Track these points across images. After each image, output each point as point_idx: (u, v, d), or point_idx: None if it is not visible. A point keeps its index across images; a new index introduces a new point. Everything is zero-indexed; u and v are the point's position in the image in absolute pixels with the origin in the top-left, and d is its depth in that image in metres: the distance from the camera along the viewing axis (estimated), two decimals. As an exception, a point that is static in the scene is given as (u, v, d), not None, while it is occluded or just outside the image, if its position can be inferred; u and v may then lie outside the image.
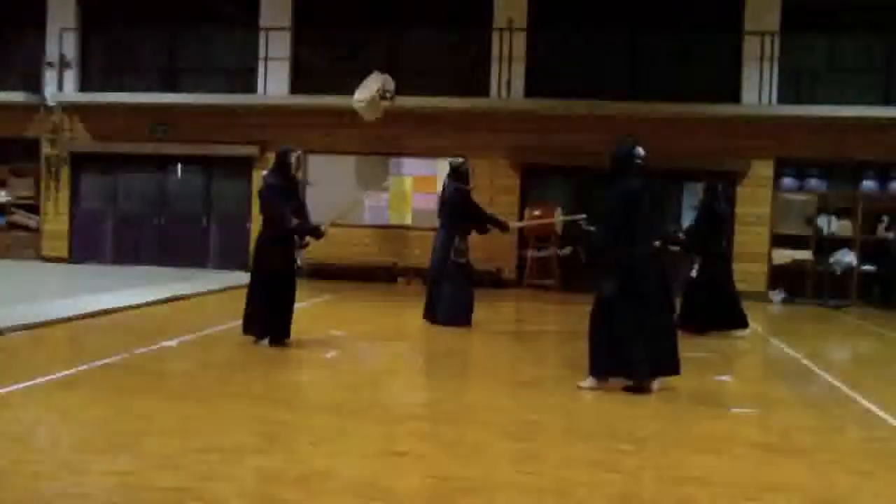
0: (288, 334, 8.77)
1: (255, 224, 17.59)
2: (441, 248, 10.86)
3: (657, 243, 7.39)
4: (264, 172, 9.20)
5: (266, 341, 8.72)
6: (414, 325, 11.00)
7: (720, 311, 10.79)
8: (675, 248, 11.24)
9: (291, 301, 8.76)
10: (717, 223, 11.08)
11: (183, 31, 18.36)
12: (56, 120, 18.27)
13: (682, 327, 10.76)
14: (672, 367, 7.19)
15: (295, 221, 8.65)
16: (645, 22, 16.99)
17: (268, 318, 8.64)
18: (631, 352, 6.99)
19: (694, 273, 10.82)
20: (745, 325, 10.92)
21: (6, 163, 18.91)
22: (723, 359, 9.44)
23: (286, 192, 8.71)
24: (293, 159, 8.73)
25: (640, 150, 7.19)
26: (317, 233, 8.84)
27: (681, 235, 11.14)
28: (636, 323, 6.95)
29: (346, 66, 16.44)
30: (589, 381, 7.16)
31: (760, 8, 16.47)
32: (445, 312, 10.67)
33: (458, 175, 10.92)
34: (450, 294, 10.70)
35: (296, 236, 8.78)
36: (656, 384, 7.11)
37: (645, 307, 6.96)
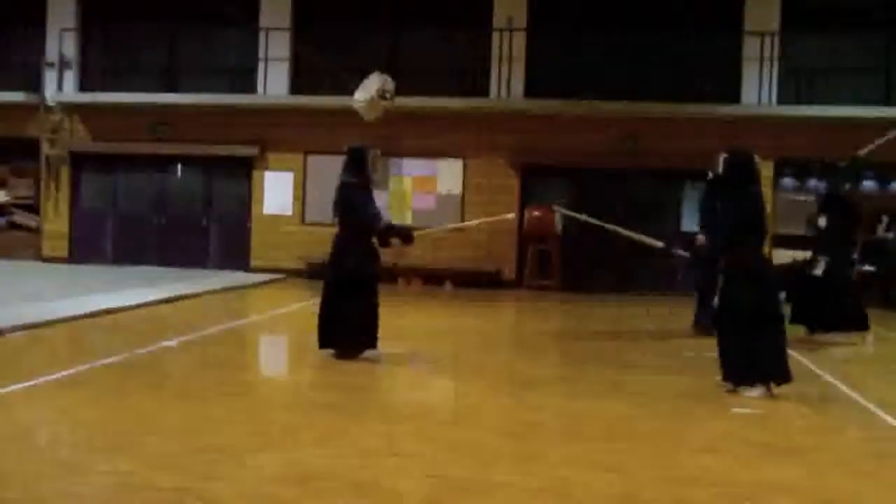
0: (375, 344, 8.07)
1: (256, 224, 17.70)
2: None
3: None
4: (340, 172, 8.53)
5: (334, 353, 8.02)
6: (413, 326, 10.99)
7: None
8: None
9: (376, 306, 8.17)
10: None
11: (183, 31, 18.32)
12: (56, 120, 18.24)
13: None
14: None
15: (385, 221, 8.18)
16: (645, 22, 16.97)
17: (351, 328, 7.99)
18: None
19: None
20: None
21: (6, 163, 18.87)
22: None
23: (367, 191, 8.25)
24: (370, 157, 8.26)
25: None
26: (409, 237, 8.43)
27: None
28: None
29: (346, 66, 16.42)
30: None
31: (760, 8, 16.45)
32: None
33: None
34: None
35: (378, 237, 8.23)
36: None
37: None
